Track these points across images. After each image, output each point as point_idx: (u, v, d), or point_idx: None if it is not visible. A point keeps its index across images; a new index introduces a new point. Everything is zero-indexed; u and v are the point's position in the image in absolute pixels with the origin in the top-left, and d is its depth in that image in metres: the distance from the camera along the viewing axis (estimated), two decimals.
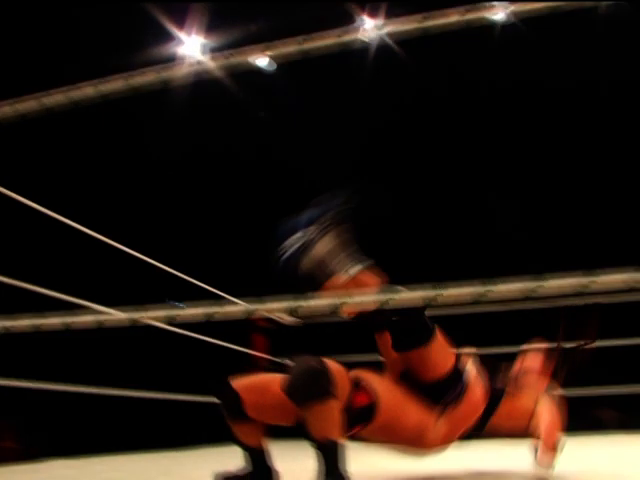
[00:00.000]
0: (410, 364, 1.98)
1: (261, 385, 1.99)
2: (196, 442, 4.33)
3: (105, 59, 4.46)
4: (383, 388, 1.96)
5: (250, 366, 4.84)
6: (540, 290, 1.16)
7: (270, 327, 4.92)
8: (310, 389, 1.74)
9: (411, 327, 1.94)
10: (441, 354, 2.00)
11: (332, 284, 1.86)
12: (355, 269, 1.88)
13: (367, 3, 5.32)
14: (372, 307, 1.75)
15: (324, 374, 1.76)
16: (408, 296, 1.22)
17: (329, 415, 1.75)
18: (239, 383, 1.99)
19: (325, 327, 4.95)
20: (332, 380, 1.76)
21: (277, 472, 2.01)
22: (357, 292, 1.74)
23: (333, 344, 4.92)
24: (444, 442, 2.05)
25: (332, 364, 1.81)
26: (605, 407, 5.31)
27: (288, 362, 5.13)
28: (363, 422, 1.90)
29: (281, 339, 5.08)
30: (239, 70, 1.78)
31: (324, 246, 1.88)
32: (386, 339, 2.00)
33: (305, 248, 1.87)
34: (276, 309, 1.77)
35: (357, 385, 1.90)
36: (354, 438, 1.98)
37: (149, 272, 3.50)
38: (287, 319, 4.97)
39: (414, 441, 2.01)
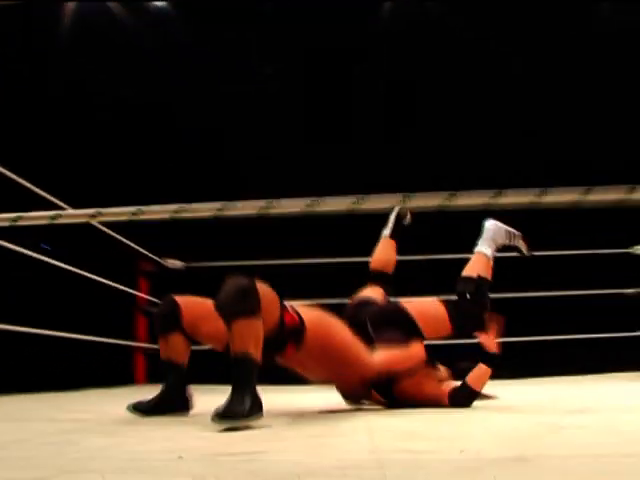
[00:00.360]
0: (428, 306, 2.51)
1: (201, 302, 2.13)
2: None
3: None
4: (310, 313, 2.14)
5: (134, 308, 4.84)
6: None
7: (154, 270, 4.91)
8: (237, 303, 1.85)
9: (473, 315, 2.49)
10: (438, 329, 2.48)
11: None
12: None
13: None
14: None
15: (251, 292, 1.87)
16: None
17: (251, 331, 1.84)
18: (181, 297, 2.15)
19: (209, 271, 5.00)
20: (258, 299, 1.88)
21: (191, 395, 2.17)
22: None
23: (214, 286, 4.99)
24: (380, 371, 2.23)
25: (262, 285, 1.93)
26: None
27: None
28: (295, 341, 2.05)
29: (165, 282, 5.08)
30: None
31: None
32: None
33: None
34: (116, 214, 1.86)
35: (285, 307, 2.05)
36: (291, 363, 2.15)
37: None
38: (173, 263, 4.98)
39: (349, 364, 2.18)
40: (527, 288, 5.25)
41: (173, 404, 2.15)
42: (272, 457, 1.30)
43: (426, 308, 2.48)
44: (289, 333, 2.03)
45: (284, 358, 2.13)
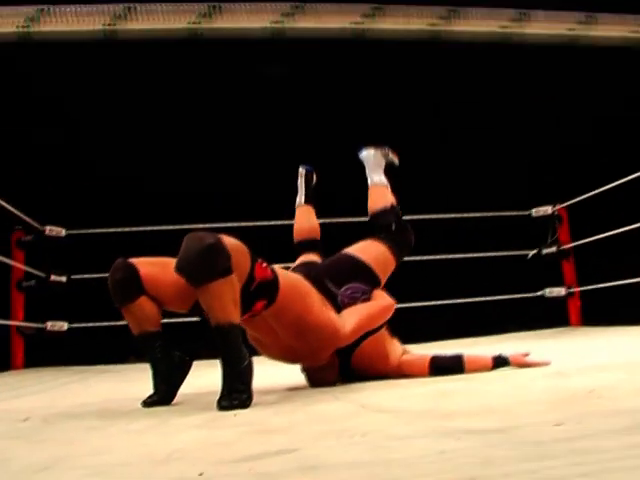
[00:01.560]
0: (367, 246, 2.31)
1: (161, 261, 1.88)
2: None
3: None
4: (285, 272, 1.96)
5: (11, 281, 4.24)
6: None
7: (31, 240, 4.30)
8: (207, 266, 1.62)
9: (405, 240, 2.39)
10: (387, 266, 2.30)
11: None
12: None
13: None
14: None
15: (220, 249, 1.64)
16: None
17: (229, 293, 1.64)
18: (135, 259, 1.88)
19: (91, 238, 4.53)
20: (229, 255, 1.65)
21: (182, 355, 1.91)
22: None
23: (98, 256, 4.48)
24: (352, 333, 1.99)
25: (228, 238, 1.71)
26: None
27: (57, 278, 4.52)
28: (266, 298, 1.80)
29: (43, 252, 4.50)
30: None
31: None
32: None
33: None
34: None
35: (257, 260, 1.82)
36: (256, 327, 1.92)
37: None
38: (54, 231, 4.42)
39: (321, 332, 1.92)
40: (428, 251, 5.19)
41: (178, 373, 1.88)
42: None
43: (372, 251, 2.30)
44: (260, 288, 1.79)
45: (251, 317, 1.85)
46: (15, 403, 2.25)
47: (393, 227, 2.36)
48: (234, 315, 1.66)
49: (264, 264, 1.84)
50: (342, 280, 2.10)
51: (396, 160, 2.69)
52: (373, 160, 2.60)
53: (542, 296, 5.24)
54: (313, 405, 1.63)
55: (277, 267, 1.92)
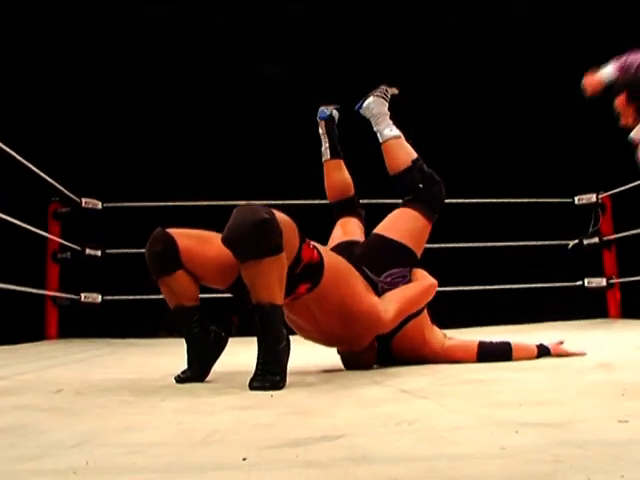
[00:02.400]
0: (398, 219, 2.14)
1: (200, 234, 1.80)
2: None
3: None
4: (330, 253, 1.88)
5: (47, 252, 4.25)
6: None
7: (67, 212, 4.29)
8: (259, 242, 1.54)
9: (435, 196, 2.20)
10: (422, 234, 2.13)
11: None
12: None
13: None
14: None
15: (273, 225, 1.56)
16: None
17: (275, 273, 1.56)
18: (174, 230, 1.79)
19: (126, 211, 4.51)
20: (281, 232, 1.58)
21: (219, 332, 1.85)
22: None
23: (133, 229, 4.47)
24: (395, 318, 1.92)
25: (280, 214, 1.64)
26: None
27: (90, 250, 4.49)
28: (310, 281, 1.74)
29: (79, 225, 4.49)
30: None
31: None
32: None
33: None
34: None
35: (304, 240, 1.75)
36: (296, 310, 1.83)
37: None
38: (91, 203, 4.40)
39: (363, 317, 1.85)
40: (467, 238, 5.09)
41: (214, 349, 1.82)
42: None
43: (404, 223, 2.13)
44: (305, 270, 1.71)
45: (292, 301, 1.77)
46: (49, 373, 2.24)
47: (420, 185, 2.17)
48: (277, 296, 1.59)
49: (311, 245, 1.76)
50: (380, 267, 2.00)
51: (396, 90, 2.43)
52: (375, 110, 2.32)
53: (581, 286, 5.09)
54: (352, 388, 1.57)
55: (322, 247, 1.84)
